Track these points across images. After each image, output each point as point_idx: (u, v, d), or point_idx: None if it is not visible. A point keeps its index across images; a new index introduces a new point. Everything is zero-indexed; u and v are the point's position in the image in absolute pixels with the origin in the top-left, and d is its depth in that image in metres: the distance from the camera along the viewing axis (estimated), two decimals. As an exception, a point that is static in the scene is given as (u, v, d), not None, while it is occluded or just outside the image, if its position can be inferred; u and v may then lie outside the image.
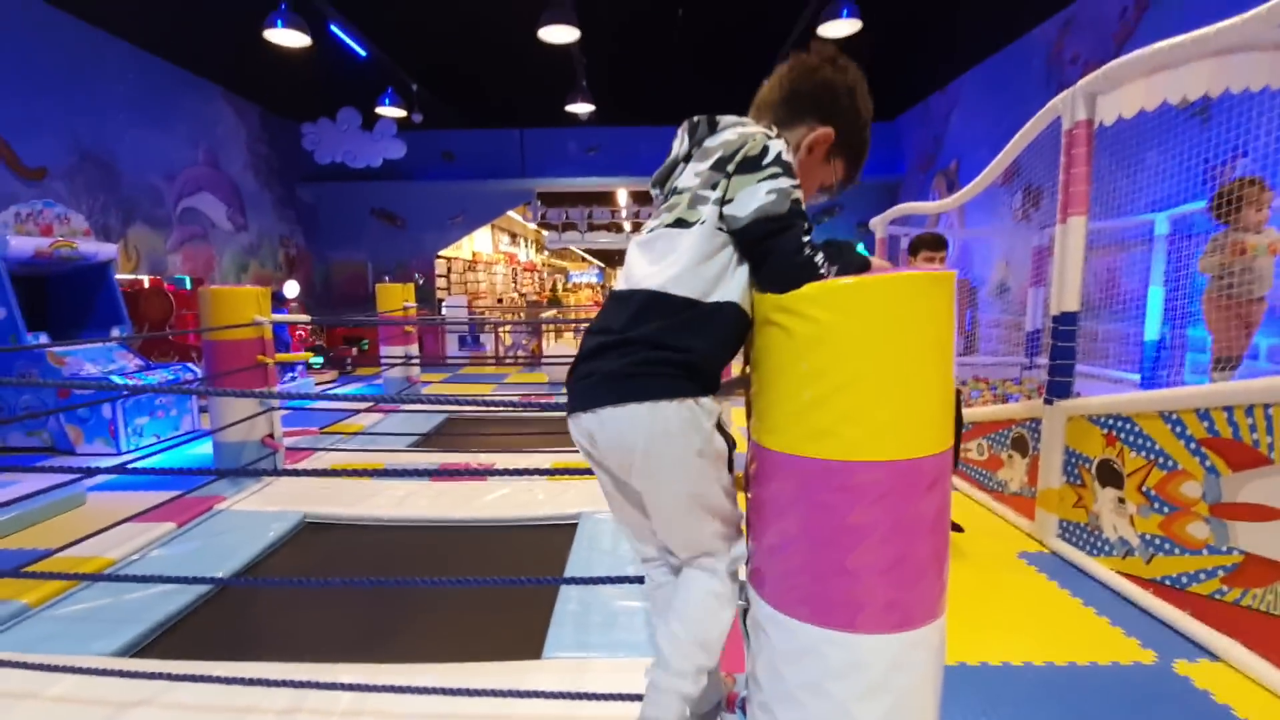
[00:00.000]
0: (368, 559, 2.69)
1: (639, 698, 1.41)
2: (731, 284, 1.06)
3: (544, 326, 10.36)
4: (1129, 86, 3.34)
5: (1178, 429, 2.55)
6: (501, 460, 3.67)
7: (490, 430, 4.75)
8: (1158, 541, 2.58)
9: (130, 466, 1.79)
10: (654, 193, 1.26)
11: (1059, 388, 3.01)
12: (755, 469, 1.13)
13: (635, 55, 9.47)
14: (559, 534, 2.84)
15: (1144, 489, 2.64)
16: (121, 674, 1.67)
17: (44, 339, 5.10)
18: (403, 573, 2.51)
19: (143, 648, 1.98)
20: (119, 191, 6.80)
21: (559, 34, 6.60)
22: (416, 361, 5.72)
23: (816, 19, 7.18)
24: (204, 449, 4.30)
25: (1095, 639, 2.30)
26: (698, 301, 1.05)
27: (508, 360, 9.73)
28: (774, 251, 1.02)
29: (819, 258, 1.01)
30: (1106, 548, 2.73)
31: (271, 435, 3.43)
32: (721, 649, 1.22)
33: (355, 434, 4.29)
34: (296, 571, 2.54)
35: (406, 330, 5.48)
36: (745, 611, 1.24)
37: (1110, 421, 2.76)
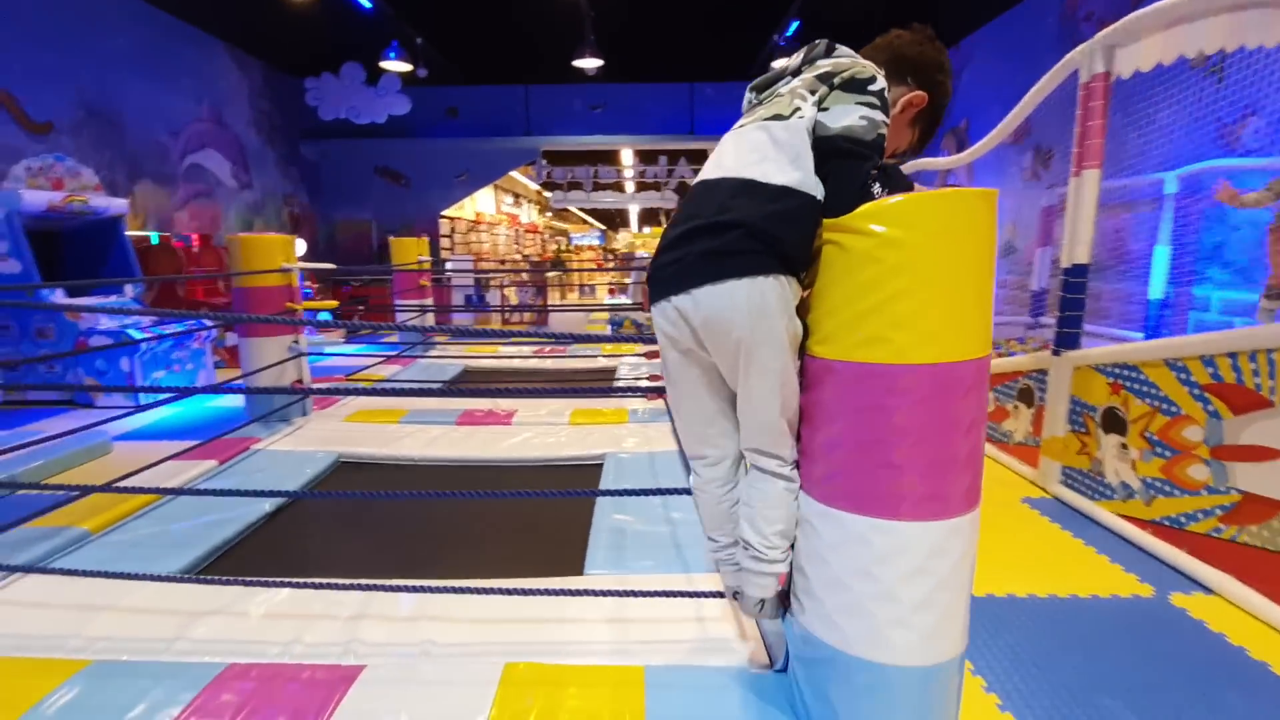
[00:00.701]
0: (405, 497, 2.81)
1: (679, 594, 1.54)
2: (815, 182, 1.13)
3: (549, 286, 10.41)
4: (1147, 40, 3.35)
5: (1182, 375, 2.64)
6: (521, 407, 3.77)
7: (505, 380, 4.86)
8: (1158, 484, 2.68)
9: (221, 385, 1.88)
10: (750, 97, 1.33)
11: (1067, 339, 3.08)
12: (805, 380, 1.22)
13: (644, 9, 9.31)
14: (585, 472, 2.96)
15: (1147, 434, 2.73)
16: (197, 580, 1.79)
17: (60, 295, 5.16)
18: (434, 506, 2.63)
19: (204, 568, 2.10)
20: (125, 147, 6.77)
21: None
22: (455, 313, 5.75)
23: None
24: (221, 402, 4.40)
25: (1095, 574, 2.39)
26: (791, 190, 1.11)
27: (513, 318, 9.79)
28: (842, 175, 1.10)
29: (876, 188, 1.09)
30: (1108, 492, 2.82)
31: (300, 380, 3.53)
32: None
33: (379, 382, 4.38)
34: (333, 506, 2.66)
35: (423, 284, 5.53)
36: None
37: (1116, 370, 2.83)
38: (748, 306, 1.11)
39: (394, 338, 5.63)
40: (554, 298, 11.21)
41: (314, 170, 10.66)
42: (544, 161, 11.76)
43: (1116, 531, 2.66)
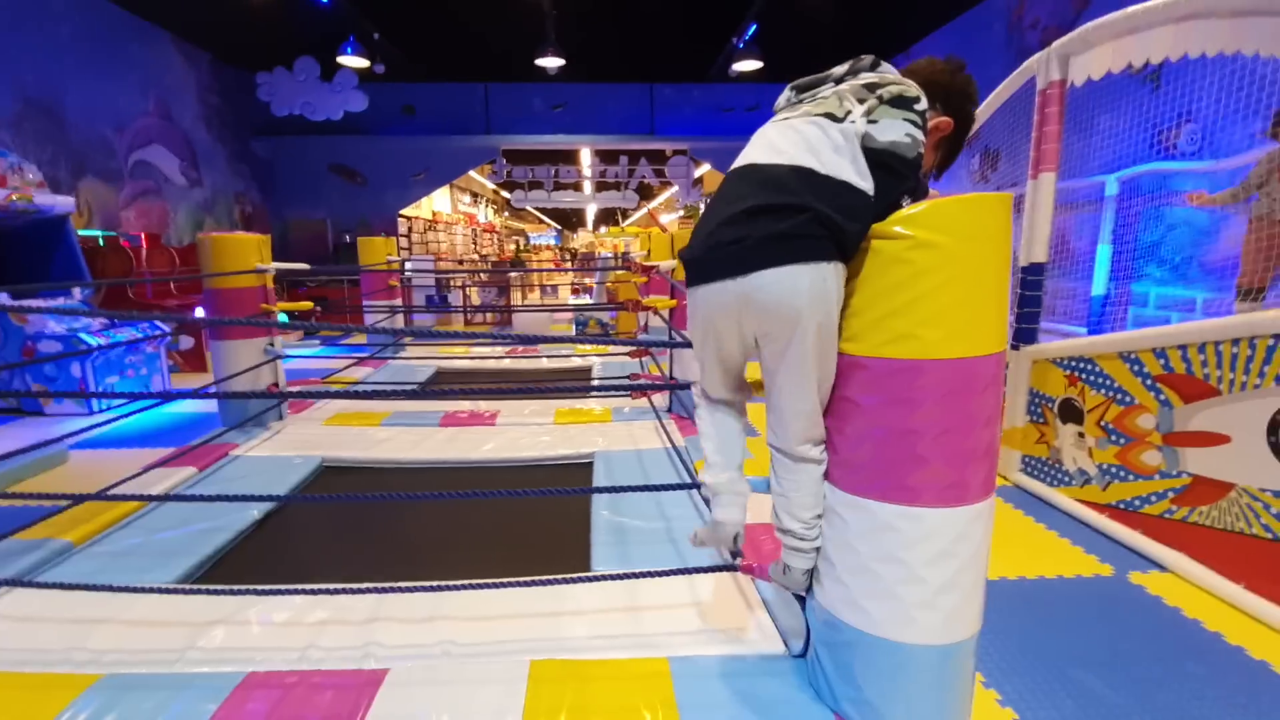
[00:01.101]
0: (392, 501, 2.78)
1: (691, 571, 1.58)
2: (870, 184, 1.17)
3: (512, 285, 10.33)
4: (1100, 49, 3.56)
5: (1135, 367, 2.81)
6: (504, 407, 3.77)
7: (481, 382, 4.82)
8: (1114, 470, 2.83)
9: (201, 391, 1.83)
10: (789, 95, 1.38)
11: (1025, 334, 3.22)
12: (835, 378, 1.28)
13: (605, 9, 9.32)
14: (576, 471, 2.98)
15: (1102, 423, 2.89)
16: (197, 590, 1.75)
17: (4, 297, 4.88)
18: (429, 509, 2.62)
19: (199, 577, 2.05)
20: (68, 143, 6.45)
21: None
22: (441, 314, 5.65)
23: (790, -23, 7.21)
24: (180, 408, 4.25)
25: (1057, 556, 2.51)
26: (853, 186, 1.15)
27: (477, 319, 9.68)
28: (881, 189, 1.16)
29: (905, 202, 1.17)
30: (1066, 479, 2.97)
31: (276, 384, 3.44)
32: None
33: (352, 385, 4.30)
34: (321, 512, 2.62)
35: (391, 285, 5.43)
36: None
37: (1072, 363, 2.99)
38: (810, 292, 1.14)
39: (362, 339, 5.51)
40: (515, 298, 11.13)
41: (266, 168, 10.33)
42: (504, 160, 11.67)
43: (1076, 516, 2.80)
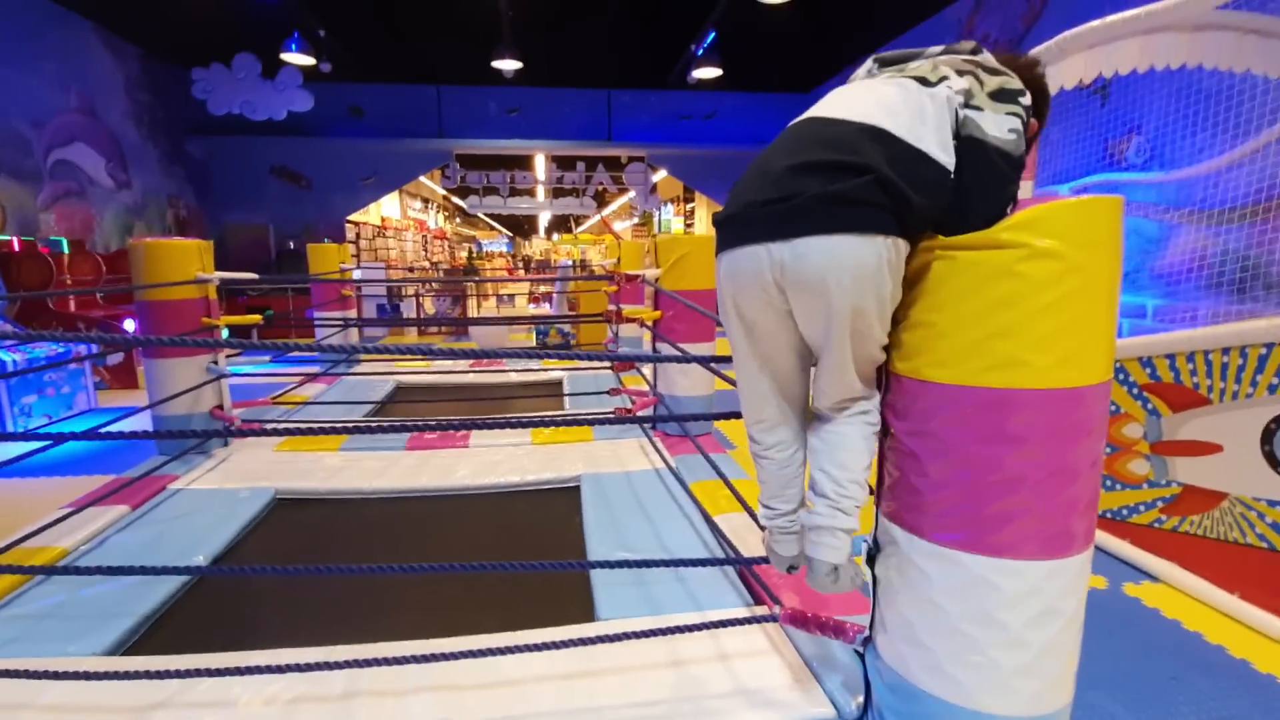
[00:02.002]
0: (356, 534, 2.50)
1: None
2: (952, 161, 1.01)
3: (468, 293, 9.99)
4: (1073, 59, 3.58)
5: (1120, 376, 2.77)
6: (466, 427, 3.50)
7: (445, 397, 4.53)
8: (1102, 480, 2.82)
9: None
10: (871, 66, 1.20)
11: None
12: (908, 406, 1.11)
13: (563, 13, 9.12)
14: (561, 497, 2.75)
15: (1089, 433, 2.84)
16: (125, 675, 1.45)
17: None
18: (397, 547, 2.36)
19: (132, 645, 1.74)
20: (-26, 137, 5.85)
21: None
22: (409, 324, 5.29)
23: (752, -16, 7.17)
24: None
25: None
26: (930, 158, 0.99)
27: (431, 329, 9.30)
28: (987, 190, 1.00)
29: (1010, 209, 1.01)
30: None
31: (221, 406, 3.09)
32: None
33: (303, 404, 3.95)
34: (281, 552, 2.32)
35: (345, 294, 5.08)
36: (873, 557, 1.23)
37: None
38: (856, 269, 0.97)
39: (312, 352, 5.13)
40: (470, 307, 10.77)
41: (202, 169, 9.70)
42: (457, 165, 11.31)
43: (1063, 526, 2.77)
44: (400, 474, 2.92)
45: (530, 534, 2.49)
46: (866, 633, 1.29)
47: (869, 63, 1.20)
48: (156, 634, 1.80)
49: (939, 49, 1.14)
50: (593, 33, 9.99)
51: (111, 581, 1.93)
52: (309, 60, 8.12)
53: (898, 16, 8.76)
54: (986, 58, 1.12)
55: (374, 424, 2.00)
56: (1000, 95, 1.04)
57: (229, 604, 1.99)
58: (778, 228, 0.99)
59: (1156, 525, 2.73)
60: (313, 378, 4.54)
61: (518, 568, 1.58)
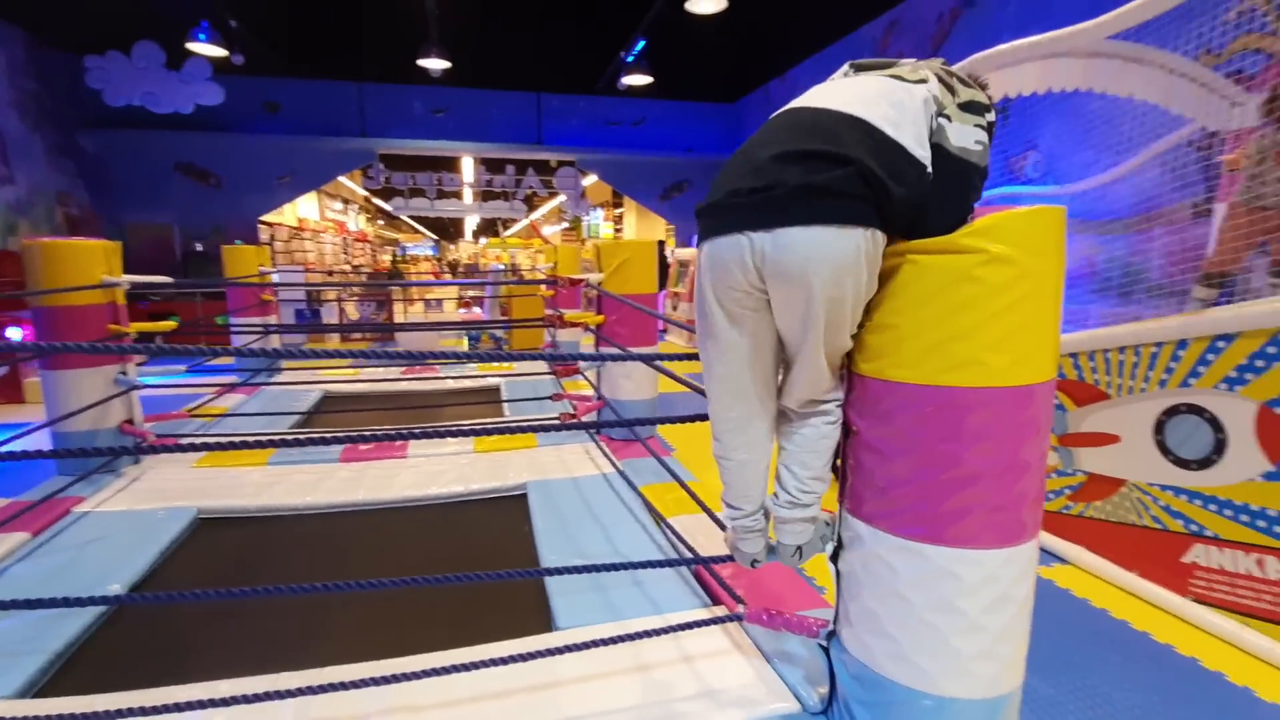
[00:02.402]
0: (291, 553, 2.36)
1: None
2: (929, 159, 1.04)
3: (393, 297, 9.66)
4: (986, 78, 3.84)
5: None
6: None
7: (376, 406, 4.36)
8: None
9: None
10: (845, 69, 1.21)
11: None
12: (872, 406, 1.15)
13: (492, 14, 8.98)
14: (508, 505, 2.70)
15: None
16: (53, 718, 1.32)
17: None
18: (338, 564, 2.25)
19: (44, 687, 1.58)
20: None
21: (422, -21, 6.07)
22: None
23: (684, -7, 7.29)
24: None
25: None
26: (909, 153, 1.01)
27: (355, 335, 8.92)
28: (952, 198, 1.05)
29: (970, 218, 1.05)
30: None
31: (131, 421, 2.86)
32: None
33: (221, 416, 3.70)
34: (209, 575, 2.17)
35: (265, 299, 4.79)
36: (837, 553, 1.27)
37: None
38: (836, 260, 0.99)
39: (228, 360, 4.82)
40: (397, 313, 10.41)
41: (97, 165, 8.94)
42: (381, 166, 10.93)
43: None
44: (335, 487, 2.79)
45: (479, 544, 2.43)
46: (830, 626, 1.32)
47: (845, 67, 1.22)
48: (72, 672, 1.65)
49: (910, 61, 1.19)
50: (522, 35, 9.88)
51: (14, 617, 1.75)
52: (219, 51, 7.64)
53: (819, 34, 9.12)
54: (959, 70, 1.17)
55: (306, 435, 1.89)
56: (970, 107, 1.08)
57: (154, 635, 1.84)
58: (760, 217, 0.99)
59: (1065, 511, 2.94)
60: (231, 388, 4.26)
61: (471, 578, 1.53)
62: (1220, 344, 2.21)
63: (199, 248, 9.47)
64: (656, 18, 8.92)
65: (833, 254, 0.98)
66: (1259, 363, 2.10)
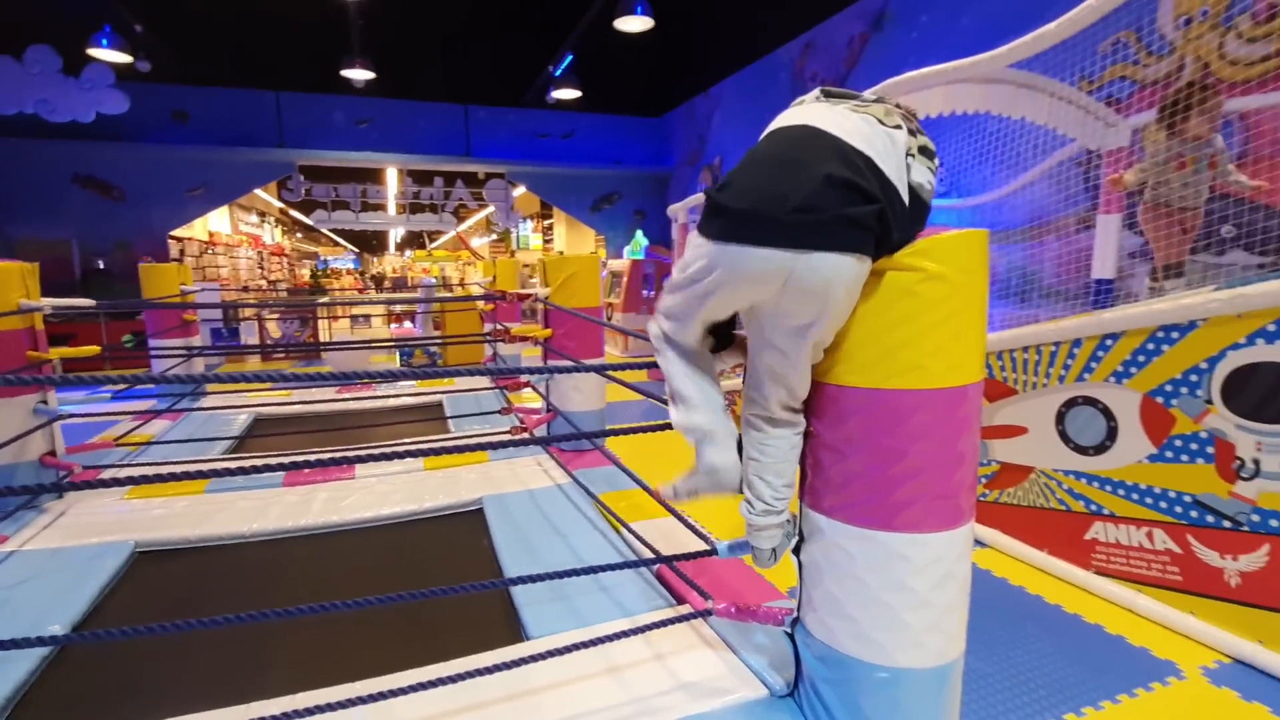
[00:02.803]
0: (240, 583, 2.30)
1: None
2: (907, 198, 1.17)
3: (319, 314, 9.32)
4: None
5: None
6: (361, 455, 3.31)
7: (314, 427, 4.23)
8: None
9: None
10: (816, 94, 1.30)
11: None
12: (829, 410, 1.28)
13: (418, 25, 8.87)
14: (464, 521, 2.71)
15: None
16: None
17: None
18: (291, 591, 2.21)
19: (-10, 733, 1.50)
20: None
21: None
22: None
23: (611, 12, 7.44)
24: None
25: None
26: (900, 196, 1.14)
27: (278, 354, 8.56)
28: (913, 230, 1.19)
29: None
30: None
31: (53, 452, 2.69)
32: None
33: (148, 444, 3.52)
34: (154, 610, 2.09)
35: (188, 319, 4.56)
36: (799, 545, 1.40)
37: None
38: (849, 283, 1.12)
39: (148, 385, 4.57)
40: (322, 329, 10.04)
41: (-19, 176, 8.26)
42: (301, 177, 10.54)
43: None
44: (282, 513, 2.73)
45: (438, 562, 2.44)
46: (795, 614, 1.44)
47: (816, 92, 1.31)
48: (19, 718, 1.57)
49: (873, 94, 1.30)
50: (449, 48, 9.81)
51: (-54, 665, 1.65)
52: (123, 58, 7.23)
53: (740, 53, 9.50)
54: (911, 113, 1.31)
55: (249, 460, 1.82)
56: (925, 152, 1.23)
57: (103, 675, 1.77)
58: (799, 237, 1.06)
59: (982, 499, 3.20)
60: (156, 414, 4.05)
61: (434, 594, 1.54)
62: (1109, 342, 2.48)
63: (100, 265, 8.88)
64: (585, 34, 9.06)
65: (848, 276, 1.11)
66: (1141, 358, 2.38)
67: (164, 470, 2.81)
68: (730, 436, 1.36)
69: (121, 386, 4.61)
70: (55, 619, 1.91)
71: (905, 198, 1.16)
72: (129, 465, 3.16)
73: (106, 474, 2.93)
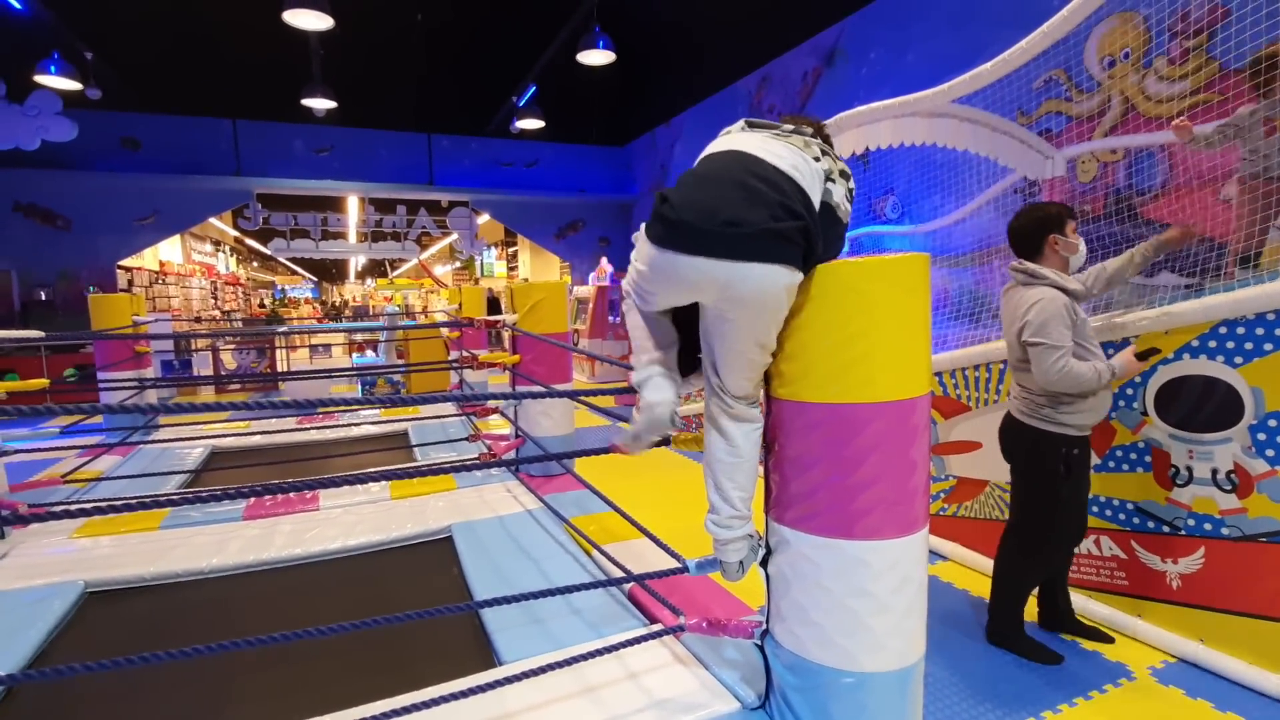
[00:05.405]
0: (197, 622, 2.22)
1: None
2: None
3: (277, 344, 9.12)
4: (850, 133, 4.38)
5: None
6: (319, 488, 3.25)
7: (273, 459, 4.13)
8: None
9: None
10: (741, 125, 1.44)
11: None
12: (790, 425, 1.34)
13: (382, 56, 8.91)
14: (433, 550, 2.68)
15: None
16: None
17: None
18: (256, 627, 2.15)
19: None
20: None
21: (307, 20, 5.99)
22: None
23: (574, 46, 7.61)
24: None
25: None
26: (817, 214, 1.25)
27: (234, 386, 8.33)
28: (836, 245, 1.32)
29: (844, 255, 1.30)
30: None
31: (-3, 492, 2.59)
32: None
33: (97, 480, 3.39)
34: (107, 651, 2.00)
35: (141, 351, 4.43)
36: (766, 558, 1.44)
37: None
38: (776, 291, 1.22)
39: (97, 419, 4.41)
40: (279, 359, 9.82)
41: (-86, 205, 7.94)
42: (259, 206, 10.39)
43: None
44: (243, 547, 2.66)
45: (407, 592, 2.40)
46: (764, 626, 1.48)
47: (741, 123, 1.45)
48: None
49: (791, 125, 1.41)
50: (412, 78, 9.85)
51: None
52: (72, 85, 7.08)
53: (700, 86, 9.79)
54: (827, 139, 1.43)
55: (205, 493, 1.77)
56: (844, 174, 1.36)
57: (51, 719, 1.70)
58: (730, 248, 1.18)
59: (942, 514, 3.30)
60: (106, 448, 3.91)
61: (406, 619, 1.54)
62: (1053, 359, 2.61)
63: (43, 296, 8.57)
64: (548, 66, 9.22)
65: (776, 285, 1.21)
66: (1084, 373, 2.50)
67: (117, 502, 2.73)
68: (667, 379, 1.46)
69: (69, 421, 4.45)
70: (1, 662, 1.83)
71: (829, 215, 1.28)
72: (78, 503, 3.04)
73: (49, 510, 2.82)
